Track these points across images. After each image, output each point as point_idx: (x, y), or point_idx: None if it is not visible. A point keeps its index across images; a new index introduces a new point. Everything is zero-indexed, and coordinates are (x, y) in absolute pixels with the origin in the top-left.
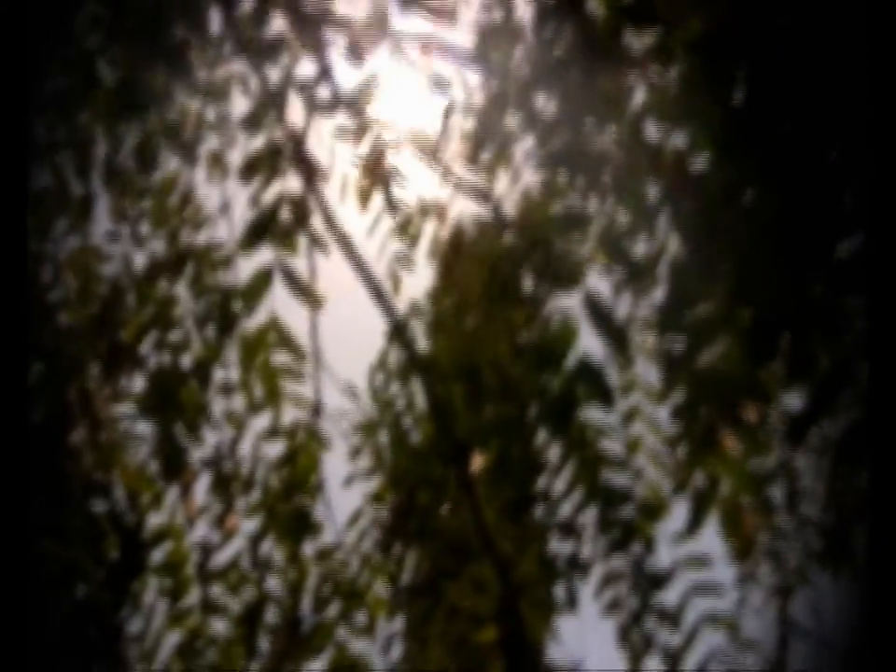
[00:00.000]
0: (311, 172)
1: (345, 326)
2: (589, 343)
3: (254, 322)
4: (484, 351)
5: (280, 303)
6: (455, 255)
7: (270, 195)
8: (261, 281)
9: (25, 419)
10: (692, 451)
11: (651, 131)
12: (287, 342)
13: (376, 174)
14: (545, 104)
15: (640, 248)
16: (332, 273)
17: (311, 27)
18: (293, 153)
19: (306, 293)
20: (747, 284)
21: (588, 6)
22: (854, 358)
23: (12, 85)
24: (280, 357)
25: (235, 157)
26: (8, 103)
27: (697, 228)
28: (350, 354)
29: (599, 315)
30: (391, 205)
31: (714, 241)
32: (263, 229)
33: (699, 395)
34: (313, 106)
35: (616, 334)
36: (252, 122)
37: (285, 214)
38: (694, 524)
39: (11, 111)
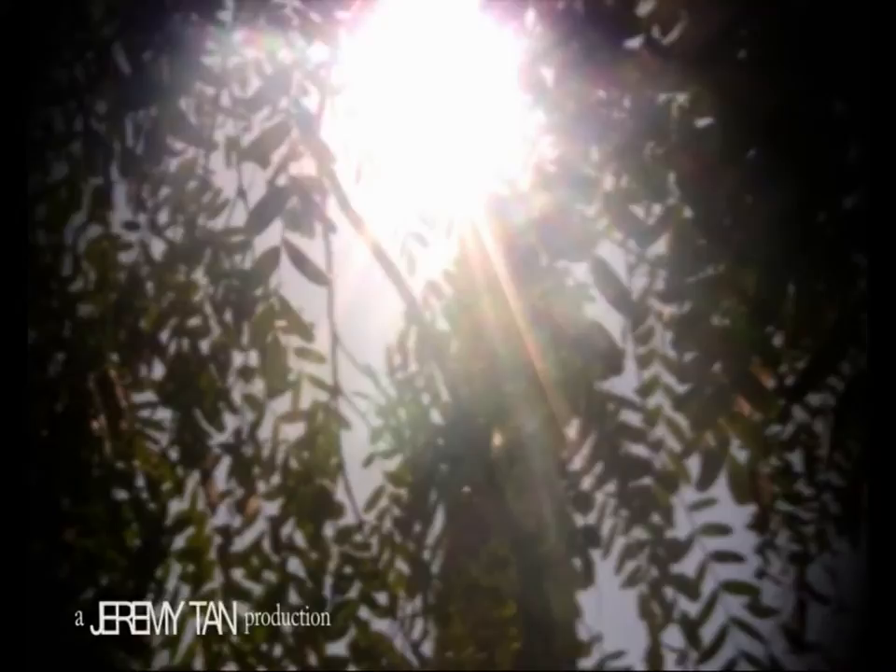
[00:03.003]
0: (322, 152)
1: (363, 308)
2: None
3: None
4: (502, 329)
5: (296, 286)
6: (472, 233)
7: (281, 176)
8: (268, 261)
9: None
10: (702, 411)
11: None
12: (291, 320)
13: None
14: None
15: (649, 213)
16: (351, 255)
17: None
18: (303, 134)
19: (312, 271)
20: (751, 244)
21: None
22: (858, 316)
23: (12, 76)
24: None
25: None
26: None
27: (701, 189)
28: (369, 335)
29: (610, 283)
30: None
31: (718, 201)
32: (271, 210)
33: (708, 355)
34: (324, 88)
35: (626, 302)
36: (258, 103)
37: (295, 194)
38: (704, 483)
39: (10, 103)
